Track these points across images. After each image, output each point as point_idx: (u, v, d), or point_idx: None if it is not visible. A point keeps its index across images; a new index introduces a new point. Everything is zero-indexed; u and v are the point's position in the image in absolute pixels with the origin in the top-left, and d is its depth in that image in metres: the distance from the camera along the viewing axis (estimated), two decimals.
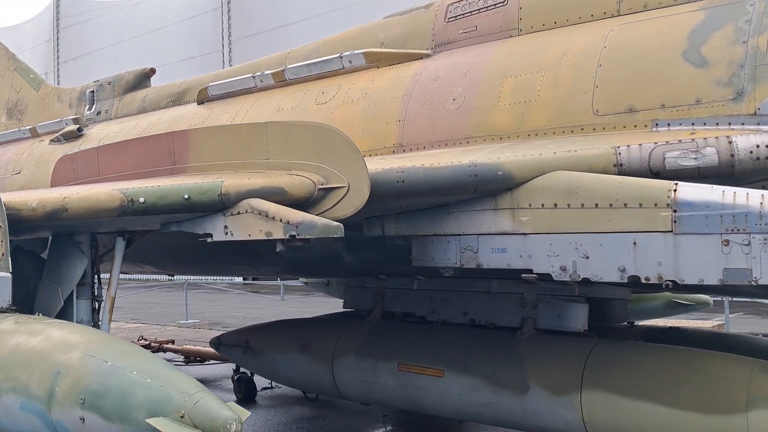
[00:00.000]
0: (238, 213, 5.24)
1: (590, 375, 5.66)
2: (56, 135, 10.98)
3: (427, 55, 6.97)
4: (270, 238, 5.05)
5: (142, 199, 5.30)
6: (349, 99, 7.12)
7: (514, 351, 6.19)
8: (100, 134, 10.35)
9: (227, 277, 35.19)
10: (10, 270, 5.43)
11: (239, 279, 35.66)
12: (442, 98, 6.31)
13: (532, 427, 6.06)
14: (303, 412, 9.79)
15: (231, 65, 35.58)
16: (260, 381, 10.15)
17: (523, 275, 5.01)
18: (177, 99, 10.06)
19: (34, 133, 11.93)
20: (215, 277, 34.33)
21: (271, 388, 11.16)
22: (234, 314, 22.54)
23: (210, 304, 25.02)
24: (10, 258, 5.44)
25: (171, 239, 8.07)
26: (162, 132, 7.42)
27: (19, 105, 13.52)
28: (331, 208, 5.14)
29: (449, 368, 6.43)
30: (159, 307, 24.48)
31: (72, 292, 6.14)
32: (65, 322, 5.07)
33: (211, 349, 10.36)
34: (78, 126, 10.73)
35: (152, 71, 11.02)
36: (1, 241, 5.40)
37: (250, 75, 8.43)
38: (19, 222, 5.53)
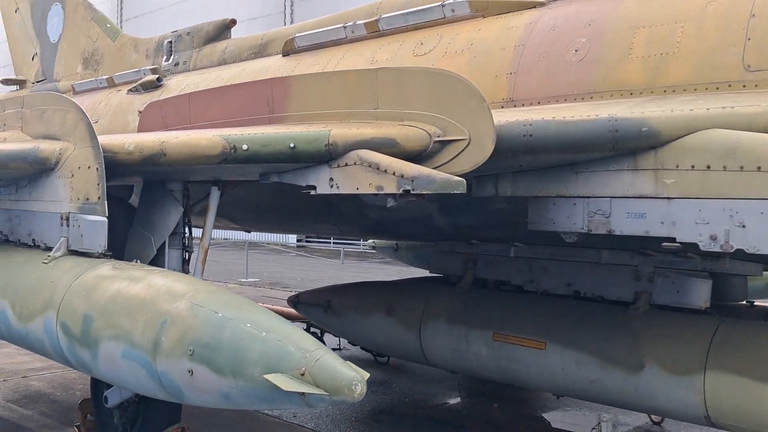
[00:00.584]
0: (346, 165, 4.91)
1: (716, 355, 5.23)
2: (134, 85, 10.82)
3: (542, 4, 6.45)
4: (380, 192, 4.71)
5: (245, 147, 5.01)
6: (452, 50, 6.68)
7: (628, 326, 5.78)
8: (179, 85, 10.13)
9: (281, 239, 35.39)
10: (107, 214, 5.23)
11: (293, 241, 35.83)
12: (561, 49, 5.82)
13: (643, 406, 5.68)
14: (375, 375, 9.54)
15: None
16: (328, 341, 9.98)
17: (663, 244, 4.56)
18: (259, 51, 9.75)
19: (111, 83, 11.81)
20: (269, 239, 34.55)
21: (340, 349, 10.98)
22: (292, 275, 22.55)
23: (266, 265, 25.11)
24: (106, 202, 5.23)
25: (255, 194, 7.86)
26: (208, 89, 7.15)
27: (95, 55, 13.41)
28: (447, 162, 4.76)
29: (552, 341, 6.05)
30: (217, 266, 24.65)
31: (164, 242, 5.94)
32: (167, 270, 4.85)
33: (279, 307, 10.20)
34: (157, 76, 10.53)
35: (233, 22, 10.74)
36: (97, 185, 5.20)
37: (340, 25, 8.04)
38: (114, 165, 5.31)
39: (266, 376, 3.57)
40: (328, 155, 4.93)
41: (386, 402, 8.68)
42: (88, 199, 5.28)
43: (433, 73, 4.94)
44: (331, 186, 5.02)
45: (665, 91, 5.13)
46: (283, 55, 8.77)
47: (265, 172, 5.51)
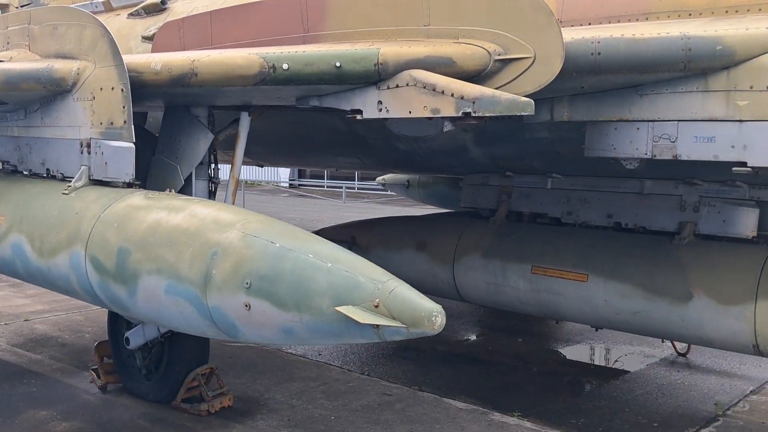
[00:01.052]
0: (397, 86, 4.55)
1: (767, 285, 5.08)
2: (136, 8, 10.20)
3: None
4: (436, 116, 4.37)
5: (285, 66, 4.63)
6: None
7: (674, 257, 5.60)
8: (187, 8, 9.52)
9: (273, 178, 34.89)
10: (134, 140, 4.86)
11: (285, 181, 35.36)
12: None
13: (689, 336, 5.56)
14: None
15: None
16: None
17: (734, 168, 4.31)
18: None
19: (108, 7, 11.12)
20: (261, 178, 34.02)
21: None
22: (290, 215, 22.24)
23: (261, 205, 24.73)
24: (132, 126, 4.85)
25: (276, 126, 7.46)
26: (232, 7, 6.68)
27: None
28: (508, 83, 4.42)
29: (594, 273, 5.86)
30: None
31: (191, 172, 5.59)
32: (206, 199, 4.51)
33: None
34: None
35: None
36: (123, 107, 4.81)
37: None
38: (139, 87, 4.92)
39: (339, 309, 3.31)
40: (378, 76, 4.57)
41: (409, 339, 8.52)
42: (112, 123, 4.89)
43: None
44: (380, 110, 4.67)
45: (726, 12, 4.81)
46: None
47: (304, 95, 5.13)
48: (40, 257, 4.93)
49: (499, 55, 4.42)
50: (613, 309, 5.79)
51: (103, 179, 5.01)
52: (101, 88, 4.95)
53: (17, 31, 5.83)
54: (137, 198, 4.59)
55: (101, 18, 11.30)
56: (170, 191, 4.83)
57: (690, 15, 4.96)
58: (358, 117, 4.83)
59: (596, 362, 7.92)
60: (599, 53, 4.34)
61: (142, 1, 10.51)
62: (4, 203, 5.43)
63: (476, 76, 4.47)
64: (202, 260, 3.84)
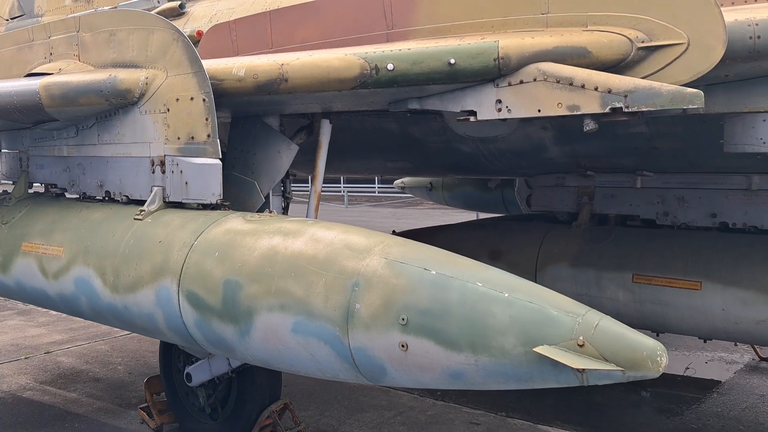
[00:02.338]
0: (521, 82, 4.03)
1: None
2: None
3: None
4: (575, 113, 3.87)
5: (390, 66, 4.11)
6: None
7: None
8: (208, 12, 8.93)
9: None
10: (220, 155, 4.29)
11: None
12: None
13: None
14: None
15: None
16: None
17: None
18: None
19: None
20: None
21: None
22: None
23: None
24: (218, 140, 4.28)
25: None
26: (297, 5, 6.15)
27: None
28: (655, 73, 3.91)
29: (709, 279, 5.37)
30: None
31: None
32: (320, 220, 3.94)
33: None
34: (180, 2, 9.30)
35: None
36: (206, 119, 4.25)
37: None
38: (217, 96, 4.35)
39: (538, 349, 2.77)
40: (497, 72, 4.05)
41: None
42: (192, 137, 4.32)
43: None
44: (499, 109, 4.14)
45: None
46: None
47: (402, 98, 4.59)
48: (115, 293, 4.32)
49: (642, 42, 3.91)
50: (733, 318, 5.31)
51: (183, 201, 4.43)
52: (177, 99, 4.36)
53: (63, 41, 5.21)
54: (235, 221, 4.01)
55: None
56: (270, 212, 4.25)
57: None
58: (471, 119, 4.30)
59: (681, 372, 7.44)
60: (759, 37, 3.85)
61: (153, 6, 9.93)
62: (60, 232, 4.81)
63: (614, 67, 3.96)
64: (340, 293, 3.28)
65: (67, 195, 5.54)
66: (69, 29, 5.18)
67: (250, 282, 3.59)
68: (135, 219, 4.43)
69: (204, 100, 4.26)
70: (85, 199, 5.15)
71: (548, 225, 6.61)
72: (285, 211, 5.37)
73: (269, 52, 5.80)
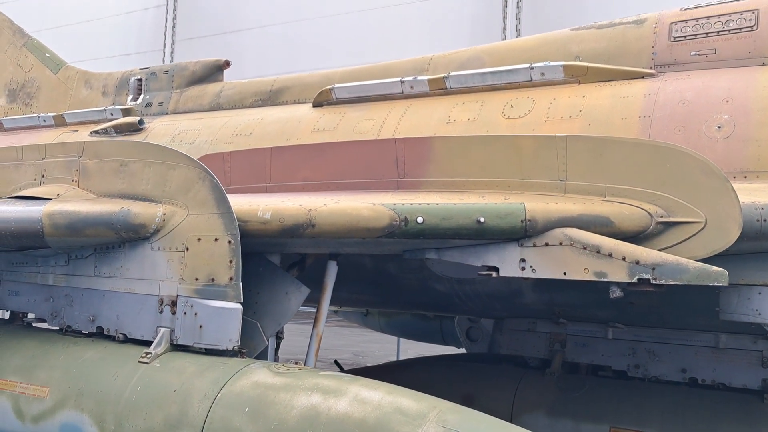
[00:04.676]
0: (546, 244, 4.23)
1: None
2: (103, 126, 9.39)
3: (651, 75, 6.16)
4: (602, 279, 4.06)
5: (420, 219, 4.22)
6: (556, 116, 6.19)
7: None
8: (170, 130, 8.89)
9: None
10: (241, 300, 4.17)
11: None
12: (700, 125, 5.51)
13: None
14: None
15: None
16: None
17: None
18: (269, 98, 8.77)
19: (61, 122, 10.24)
20: None
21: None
22: None
23: None
24: (241, 284, 4.18)
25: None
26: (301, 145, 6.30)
27: (28, 87, 11.67)
28: (672, 246, 4.19)
29: None
30: None
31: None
32: (356, 377, 3.83)
33: None
34: (139, 118, 9.20)
35: (227, 64, 9.65)
36: (230, 262, 4.16)
37: (396, 79, 7.33)
38: (242, 237, 4.28)
39: None
40: (524, 232, 4.23)
41: None
42: (213, 279, 4.19)
43: (650, 145, 4.41)
44: (523, 268, 4.29)
45: None
46: (314, 106, 7.88)
47: (421, 247, 4.67)
48: None
49: (661, 217, 4.21)
50: None
51: (195, 345, 4.22)
52: (199, 239, 4.25)
53: (60, 164, 5.00)
54: (262, 373, 3.84)
55: (53, 134, 10.46)
56: (297, 364, 4.09)
57: None
58: (494, 275, 4.41)
59: None
60: (765, 220, 4.23)
61: (105, 118, 9.77)
62: (45, 370, 4.44)
63: (634, 237, 4.22)
64: None
65: (38, 326, 5.15)
66: (69, 153, 4.99)
67: None
68: (140, 362, 4.17)
69: (230, 242, 4.17)
70: (69, 332, 4.80)
71: (521, 370, 6.70)
72: (276, 349, 5.20)
73: (268, 188, 5.81)
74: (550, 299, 6.34)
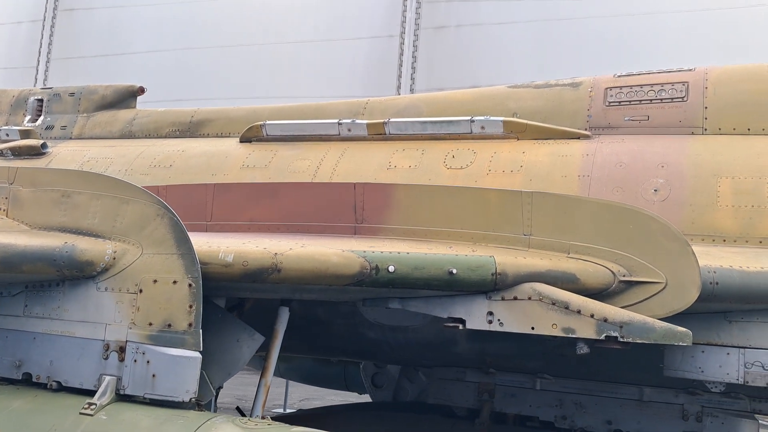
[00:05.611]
0: (515, 298, 4.26)
1: None
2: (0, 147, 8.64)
3: (587, 136, 6.44)
4: (569, 335, 4.13)
5: (391, 268, 4.16)
6: (498, 169, 6.32)
7: None
8: (77, 156, 8.32)
9: None
10: (201, 348, 3.89)
11: None
12: (637, 187, 5.79)
13: None
14: None
15: (46, 84, 31.66)
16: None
17: None
18: (189, 129, 8.42)
19: None
20: None
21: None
22: None
23: None
24: (200, 331, 3.90)
25: None
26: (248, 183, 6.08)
27: None
28: (633, 305, 4.33)
29: None
30: None
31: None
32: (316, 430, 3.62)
33: None
34: (42, 142, 8.54)
35: (141, 90, 9.18)
36: (189, 307, 3.90)
37: (333, 121, 7.24)
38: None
39: None
40: (493, 285, 4.24)
41: None
42: (170, 325, 3.88)
43: (615, 207, 4.55)
44: (490, 321, 4.29)
45: (761, 242, 5.30)
46: (242, 141, 7.63)
47: (384, 296, 4.55)
48: None
49: (623, 276, 4.35)
50: None
51: (146, 396, 3.85)
52: (155, 281, 3.93)
53: None
54: (229, 428, 3.56)
55: None
56: (263, 417, 3.82)
57: (725, 241, 5.38)
58: (460, 327, 4.37)
59: None
60: (717, 283, 4.45)
61: (4, 140, 9.01)
62: None
63: (597, 294, 4.33)
64: None
65: None
66: None
67: None
68: (82, 414, 3.75)
69: (190, 285, 3.89)
70: None
71: (451, 420, 6.65)
72: (215, 399, 4.86)
73: (208, 226, 5.51)
74: (482, 349, 6.37)
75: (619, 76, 6.60)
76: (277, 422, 3.75)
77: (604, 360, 5.90)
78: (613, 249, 4.41)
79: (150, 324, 3.89)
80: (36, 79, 37.73)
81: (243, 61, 20.12)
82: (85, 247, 4.00)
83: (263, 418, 3.82)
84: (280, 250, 4.13)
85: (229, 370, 4.53)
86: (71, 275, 4.01)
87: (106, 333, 3.97)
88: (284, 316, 4.86)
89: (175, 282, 3.89)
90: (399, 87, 17.79)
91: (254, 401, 4.67)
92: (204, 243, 4.18)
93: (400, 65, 17.86)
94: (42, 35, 39.42)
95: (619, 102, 6.49)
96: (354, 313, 6.42)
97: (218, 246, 4.14)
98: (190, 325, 3.85)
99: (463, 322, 4.35)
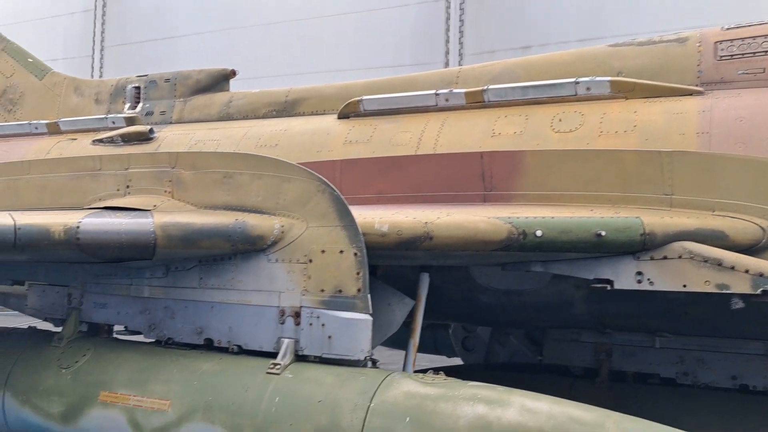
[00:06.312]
0: (664, 258, 4.37)
1: None
2: (108, 135, 9.03)
3: (699, 92, 6.43)
4: (723, 291, 4.23)
5: (539, 233, 4.30)
6: (610, 130, 6.32)
7: None
8: (184, 140, 8.62)
9: None
10: (371, 311, 4.14)
11: None
12: (761, 141, 5.78)
13: None
14: None
15: (102, 72, 32.35)
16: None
17: None
18: (285, 109, 8.63)
19: (55, 129, 9.78)
20: None
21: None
22: None
23: None
24: (369, 295, 4.15)
25: None
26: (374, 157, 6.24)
27: (10, 93, 11.11)
28: None
29: None
30: None
31: None
32: (512, 389, 3.84)
33: None
34: (149, 127, 8.89)
35: (233, 73, 9.44)
36: (357, 274, 4.12)
37: (431, 92, 7.35)
38: None
39: None
40: (641, 246, 4.36)
41: None
42: (340, 291, 4.14)
43: (758, 162, 4.61)
44: (639, 281, 4.42)
45: None
46: (340, 117, 7.82)
47: (526, 260, 4.73)
48: None
49: None
50: None
51: (324, 356, 4.14)
52: (323, 251, 4.19)
53: (149, 174, 4.81)
54: (410, 383, 3.82)
55: (49, 142, 10.02)
56: (437, 372, 4.07)
57: None
58: (608, 288, 4.52)
59: None
60: None
61: (106, 127, 9.40)
62: (161, 383, 4.27)
63: (747, 250, 4.42)
64: None
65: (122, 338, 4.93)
66: (159, 163, 4.81)
67: None
68: (269, 373, 4.06)
69: (356, 254, 4.14)
70: (170, 344, 4.62)
71: (568, 379, 6.82)
72: None
73: None
74: (601, 310, 6.49)
75: (727, 28, 6.54)
76: (452, 378, 3.99)
77: (728, 317, 6.00)
78: (759, 204, 4.48)
79: (322, 290, 4.15)
80: (92, 67, 38.50)
81: (285, 37, 19.96)
82: (255, 222, 4.27)
83: (437, 373, 4.06)
84: (430, 219, 4.33)
85: (385, 332, 4.79)
86: (243, 249, 4.30)
87: (281, 300, 4.25)
88: (425, 282, 5.08)
89: (341, 252, 4.14)
90: (447, 53, 17.45)
91: (405, 360, 4.93)
92: (357, 215, 4.42)
93: (447, 30, 17.47)
94: (95, 24, 40.20)
95: (731, 55, 6.45)
96: (467, 279, 6.61)
97: (372, 217, 4.36)
98: (359, 290, 4.10)
99: (610, 282, 4.49)
